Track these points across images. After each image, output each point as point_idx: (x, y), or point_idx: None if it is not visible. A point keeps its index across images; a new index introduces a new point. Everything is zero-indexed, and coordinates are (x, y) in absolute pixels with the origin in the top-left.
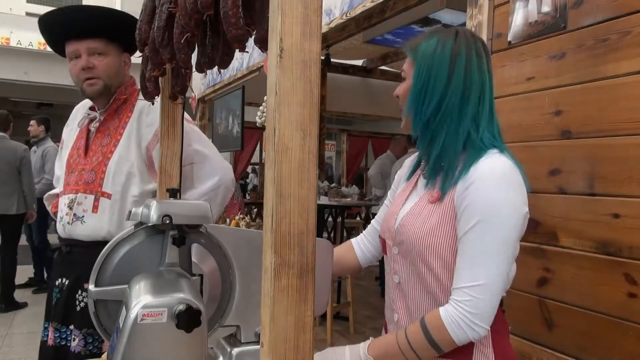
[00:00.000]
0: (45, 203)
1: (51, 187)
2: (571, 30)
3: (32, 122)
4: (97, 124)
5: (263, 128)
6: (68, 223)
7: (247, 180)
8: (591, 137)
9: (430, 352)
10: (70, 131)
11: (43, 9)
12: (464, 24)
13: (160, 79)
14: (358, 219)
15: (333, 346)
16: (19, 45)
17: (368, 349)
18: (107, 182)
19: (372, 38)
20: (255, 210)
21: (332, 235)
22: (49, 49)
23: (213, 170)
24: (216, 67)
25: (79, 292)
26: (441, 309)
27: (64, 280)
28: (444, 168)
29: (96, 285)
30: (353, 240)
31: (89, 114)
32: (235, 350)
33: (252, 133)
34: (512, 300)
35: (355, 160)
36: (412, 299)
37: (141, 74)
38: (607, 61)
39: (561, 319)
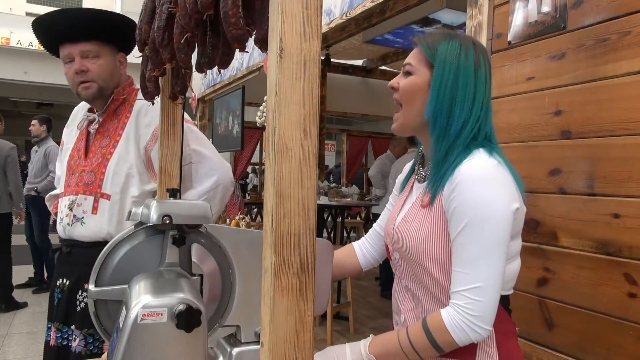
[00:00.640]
0: (47, 204)
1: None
2: (571, 30)
3: (34, 121)
4: (97, 126)
5: (263, 128)
6: (68, 224)
7: (247, 180)
8: (591, 137)
9: (431, 352)
10: (70, 132)
11: (43, 9)
12: (463, 24)
13: (160, 79)
14: (358, 219)
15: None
16: (19, 45)
17: (369, 347)
18: (107, 183)
19: (372, 38)
20: (255, 210)
21: (332, 235)
22: None
23: (211, 170)
24: (216, 67)
25: (80, 292)
26: (442, 311)
27: (64, 281)
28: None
29: (96, 285)
30: (354, 243)
31: (87, 116)
32: (235, 350)
33: (252, 133)
34: (512, 300)
35: (355, 160)
36: (421, 301)
37: (141, 74)
38: (607, 61)
39: (561, 319)
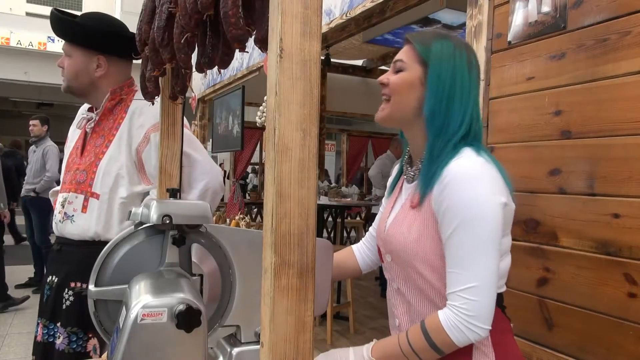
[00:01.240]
0: (51, 199)
1: (52, 184)
2: (571, 30)
3: (35, 121)
4: (92, 125)
5: (263, 128)
6: (60, 221)
7: (247, 180)
8: (591, 137)
9: (431, 354)
10: (74, 131)
11: (43, 9)
12: (463, 24)
13: (160, 79)
14: (358, 219)
15: (333, 346)
16: (19, 45)
17: (372, 351)
18: (97, 183)
19: (372, 38)
20: (255, 210)
21: (332, 235)
22: (49, 48)
23: (200, 175)
24: (216, 67)
25: (66, 290)
26: (440, 313)
27: (53, 278)
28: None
29: (96, 285)
30: (353, 246)
31: (85, 115)
32: (235, 350)
33: (252, 133)
34: (512, 300)
35: (355, 160)
36: (413, 304)
37: (141, 74)
38: (607, 61)
39: (561, 319)
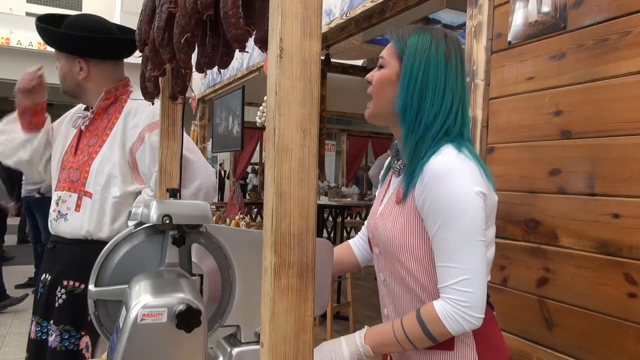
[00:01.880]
0: None
1: None
2: (571, 30)
3: None
4: (86, 124)
5: (263, 128)
6: (54, 219)
7: (247, 181)
8: (591, 137)
9: (426, 342)
10: (68, 130)
11: (43, 9)
12: (463, 24)
13: (160, 79)
14: (358, 219)
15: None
16: (19, 45)
17: (364, 338)
18: (90, 182)
19: (372, 38)
20: (255, 210)
21: (332, 235)
22: (49, 49)
23: (193, 175)
24: (216, 67)
25: (59, 288)
26: (435, 304)
27: (47, 276)
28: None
29: (96, 285)
30: (350, 241)
31: (81, 114)
32: (235, 350)
33: (252, 133)
34: (512, 300)
35: (355, 160)
36: (397, 296)
37: (141, 74)
38: (607, 61)
39: (561, 319)
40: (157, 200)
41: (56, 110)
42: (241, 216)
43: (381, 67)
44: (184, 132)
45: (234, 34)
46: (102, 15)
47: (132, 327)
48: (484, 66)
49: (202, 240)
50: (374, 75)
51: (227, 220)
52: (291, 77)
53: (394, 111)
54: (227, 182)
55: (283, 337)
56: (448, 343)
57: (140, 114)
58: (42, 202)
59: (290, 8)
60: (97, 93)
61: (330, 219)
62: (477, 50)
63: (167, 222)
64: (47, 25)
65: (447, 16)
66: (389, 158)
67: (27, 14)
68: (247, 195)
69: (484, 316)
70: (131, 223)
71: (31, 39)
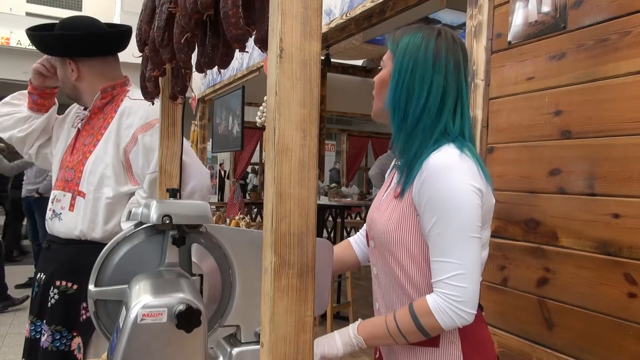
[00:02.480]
0: None
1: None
2: (571, 30)
3: None
4: (83, 123)
5: (263, 128)
6: (49, 219)
7: (247, 181)
8: (591, 137)
9: (418, 336)
10: (68, 130)
11: (43, 9)
12: (463, 24)
13: (160, 79)
14: (358, 219)
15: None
16: (19, 45)
17: (357, 329)
18: (83, 182)
19: (372, 38)
20: (255, 210)
21: (332, 235)
22: None
23: (186, 177)
24: (216, 67)
25: (52, 288)
26: (428, 298)
27: (41, 275)
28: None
29: (96, 285)
30: (350, 239)
31: (80, 114)
32: (235, 350)
33: (252, 133)
34: (512, 300)
35: (355, 160)
36: (387, 291)
37: (141, 74)
38: (607, 61)
39: (561, 319)
40: (157, 200)
41: (62, 109)
42: (241, 216)
43: (381, 68)
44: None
45: (234, 34)
46: (102, 15)
47: (132, 327)
48: (484, 66)
49: (202, 240)
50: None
51: (227, 220)
52: (291, 77)
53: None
54: (227, 182)
55: (283, 337)
56: (434, 340)
57: (135, 113)
58: (40, 202)
59: (290, 8)
60: (92, 93)
61: (330, 219)
62: (477, 50)
63: (167, 222)
64: (38, 32)
65: (447, 16)
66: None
67: (27, 14)
68: (246, 195)
69: (475, 312)
70: (130, 223)
71: None
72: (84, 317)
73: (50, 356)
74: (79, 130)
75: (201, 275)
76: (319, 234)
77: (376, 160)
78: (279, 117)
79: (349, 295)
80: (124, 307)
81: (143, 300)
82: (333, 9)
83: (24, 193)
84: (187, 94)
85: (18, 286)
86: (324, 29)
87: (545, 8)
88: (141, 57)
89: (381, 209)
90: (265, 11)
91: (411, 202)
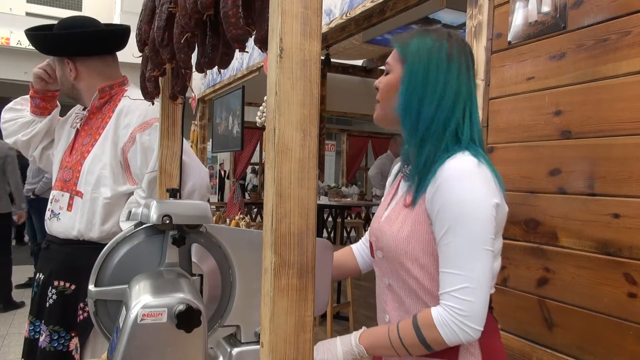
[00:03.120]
0: None
1: (51, 185)
2: (571, 30)
3: None
4: (81, 123)
5: (263, 128)
6: (48, 219)
7: (247, 180)
8: (591, 137)
9: (420, 349)
10: (69, 130)
11: (43, 9)
12: (463, 24)
13: (160, 79)
14: (358, 219)
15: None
16: (19, 45)
17: (360, 338)
18: (81, 182)
19: (372, 38)
20: (255, 210)
21: (332, 235)
22: None
23: (186, 177)
24: (216, 67)
25: (50, 288)
26: (433, 310)
27: (40, 275)
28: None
29: (96, 285)
30: (352, 246)
31: (79, 114)
32: (235, 350)
33: (252, 133)
34: (512, 300)
35: (355, 160)
36: (404, 301)
37: (141, 74)
38: (607, 61)
39: (561, 319)
40: (157, 200)
41: (64, 110)
42: (241, 216)
43: (387, 72)
44: None
45: (234, 34)
46: (102, 15)
47: (132, 327)
48: (484, 66)
49: (202, 240)
50: (381, 81)
51: (227, 220)
52: (291, 77)
53: (396, 116)
54: (227, 182)
55: (283, 337)
56: (452, 353)
57: (132, 113)
58: (37, 203)
59: (290, 8)
60: (90, 92)
61: (330, 219)
62: (477, 50)
63: (167, 222)
64: (36, 32)
65: (447, 16)
66: (398, 164)
67: (27, 14)
68: (245, 195)
69: (482, 329)
70: (129, 223)
71: None
72: (82, 317)
73: (49, 356)
74: (77, 130)
75: (201, 275)
76: (319, 234)
77: (376, 160)
78: (279, 117)
79: (349, 295)
80: (124, 307)
81: (143, 300)
82: (333, 9)
83: (24, 193)
84: (187, 94)
85: (18, 286)
86: (324, 29)
87: (545, 8)
88: (141, 57)
89: (391, 218)
90: (265, 11)
91: (424, 210)
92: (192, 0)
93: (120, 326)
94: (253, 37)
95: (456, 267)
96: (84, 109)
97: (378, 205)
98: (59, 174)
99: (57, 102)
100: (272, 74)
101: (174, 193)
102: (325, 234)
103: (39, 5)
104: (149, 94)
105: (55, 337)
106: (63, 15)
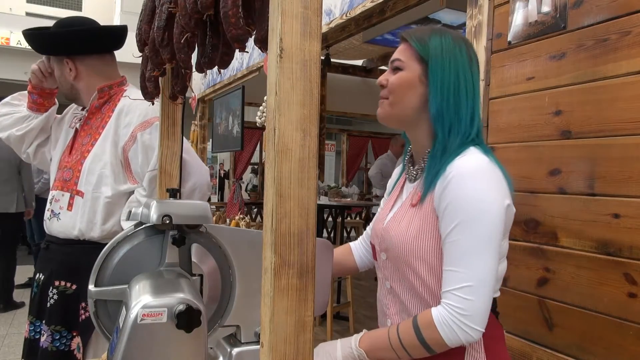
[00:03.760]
0: None
1: (49, 185)
2: (571, 30)
3: None
4: (81, 123)
5: (263, 128)
6: (48, 219)
7: (247, 181)
8: (591, 137)
9: (421, 351)
10: (66, 130)
11: (43, 9)
12: (463, 24)
13: (160, 79)
14: (358, 219)
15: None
16: (19, 45)
17: (360, 341)
18: (82, 181)
19: (372, 38)
20: (255, 210)
21: (332, 235)
22: None
23: (187, 175)
24: (216, 67)
25: (51, 288)
26: (433, 310)
27: (40, 276)
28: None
29: (96, 285)
30: (351, 243)
31: (78, 114)
32: (235, 350)
33: (252, 133)
34: (512, 300)
35: (355, 160)
36: (406, 305)
37: (141, 74)
38: (607, 61)
39: (561, 319)
40: (157, 200)
41: (61, 110)
42: (241, 216)
43: (397, 69)
44: None
45: (234, 34)
46: (101, 15)
47: (132, 327)
48: (484, 66)
49: (202, 240)
50: (388, 78)
51: (227, 220)
52: (291, 77)
53: (417, 115)
54: (227, 182)
55: (283, 337)
56: (458, 355)
57: (133, 112)
58: (36, 203)
59: (290, 8)
60: (89, 92)
61: (330, 219)
62: (477, 51)
63: (167, 222)
64: (34, 32)
65: (447, 16)
66: (399, 167)
67: (27, 14)
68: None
69: (483, 330)
70: (130, 223)
71: None
72: (83, 316)
73: (50, 356)
74: (77, 130)
75: (201, 275)
76: (319, 234)
77: (376, 160)
78: (279, 117)
79: (349, 295)
80: (124, 307)
81: (143, 300)
82: (333, 9)
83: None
84: (187, 94)
85: (18, 286)
86: (324, 29)
87: (545, 8)
88: (141, 57)
89: (397, 218)
90: (265, 11)
91: (432, 208)
92: (192, 0)
93: (120, 326)
94: (253, 37)
95: (460, 265)
96: (82, 109)
97: (378, 205)
98: (58, 174)
99: (56, 100)
100: (272, 74)
101: (174, 193)
102: (325, 234)
103: (39, 5)
104: (149, 94)
105: (57, 337)
106: (63, 16)
